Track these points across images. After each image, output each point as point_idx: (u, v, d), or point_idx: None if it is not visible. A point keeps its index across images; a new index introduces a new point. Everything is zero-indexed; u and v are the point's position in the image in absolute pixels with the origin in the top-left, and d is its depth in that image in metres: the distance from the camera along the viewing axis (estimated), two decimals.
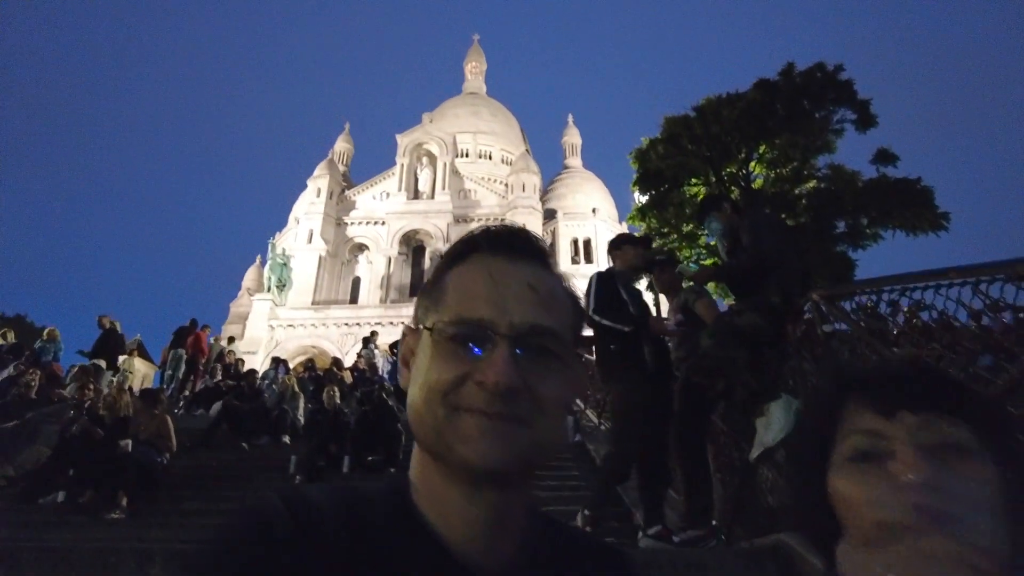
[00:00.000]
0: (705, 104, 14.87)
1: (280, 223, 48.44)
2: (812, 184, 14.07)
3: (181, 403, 13.59)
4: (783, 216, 13.05)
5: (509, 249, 0.72)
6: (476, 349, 0.66)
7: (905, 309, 4.19)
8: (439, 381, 0.65)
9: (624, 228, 47.24)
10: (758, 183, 14.60)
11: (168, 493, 6.55)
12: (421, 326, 0.71)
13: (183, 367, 14.86)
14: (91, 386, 8.98)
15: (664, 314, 5.41)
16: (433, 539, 0.66)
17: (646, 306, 4.72)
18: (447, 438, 0.64)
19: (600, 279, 4.66)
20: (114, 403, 7.39)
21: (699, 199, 14.73)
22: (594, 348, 4.92)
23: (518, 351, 0.66)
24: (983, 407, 0.68)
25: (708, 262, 13.80)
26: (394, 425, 8.61)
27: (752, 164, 14.54)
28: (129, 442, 6.55)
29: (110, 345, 13.08)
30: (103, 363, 12.33)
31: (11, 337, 13.07)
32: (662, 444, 4.42)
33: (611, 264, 4.88)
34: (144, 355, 42.13)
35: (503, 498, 0.67)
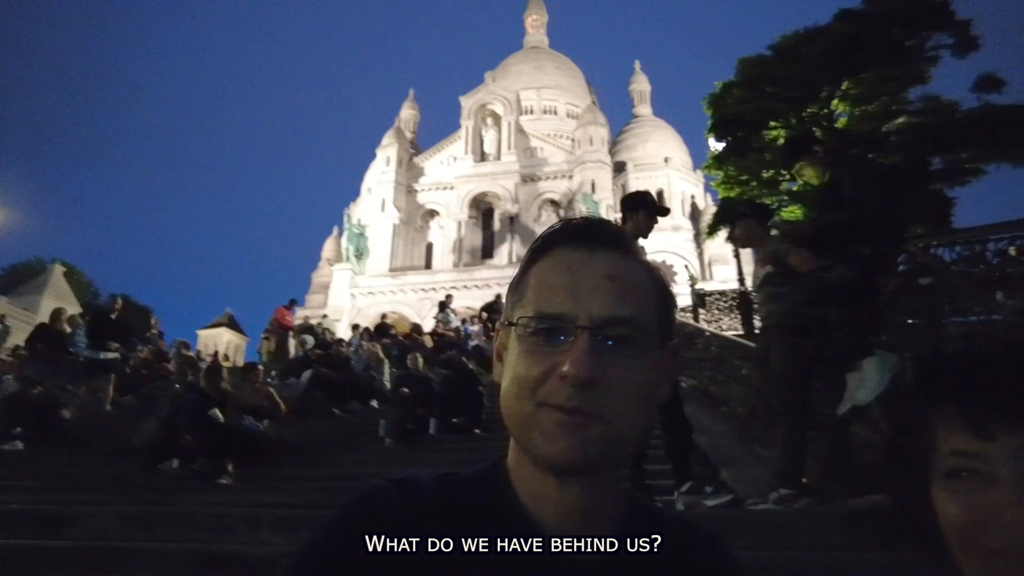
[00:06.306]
0: (783, 42, 13.87)
1: (353, 193, 49.68)
2: (903, 120, 12.97)
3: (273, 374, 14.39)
4: (871, 157, 12.18)
5: (587, 240, 0.73)
6: (558, 342, 0.68)
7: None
8: (526, 377, 0.68)
9: (700, 177, 45.56)
10: (842, 122, 13.62)
11: (271, 459, 6.99)
12: (509, 322, 0.74)
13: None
14: (189, 364, 9.64)
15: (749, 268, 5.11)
16: (528, 522, 0.70)
17: None
18: (531, 433, 0.68)
19: None
20: (208, 379, 7.84)
21: (780, 143, 13.95)
22: None
23: (599, 342, 0.67)
24: None
25: (791, 210, 13.18)
26: (476, 388, 8.83)
27: (835, 102, 13.59)
28: (217, 411, 6.94)
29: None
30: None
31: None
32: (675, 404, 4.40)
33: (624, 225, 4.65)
34: (235, 327, 44.98)
35: (591, 487, 0.70)
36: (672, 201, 43.18)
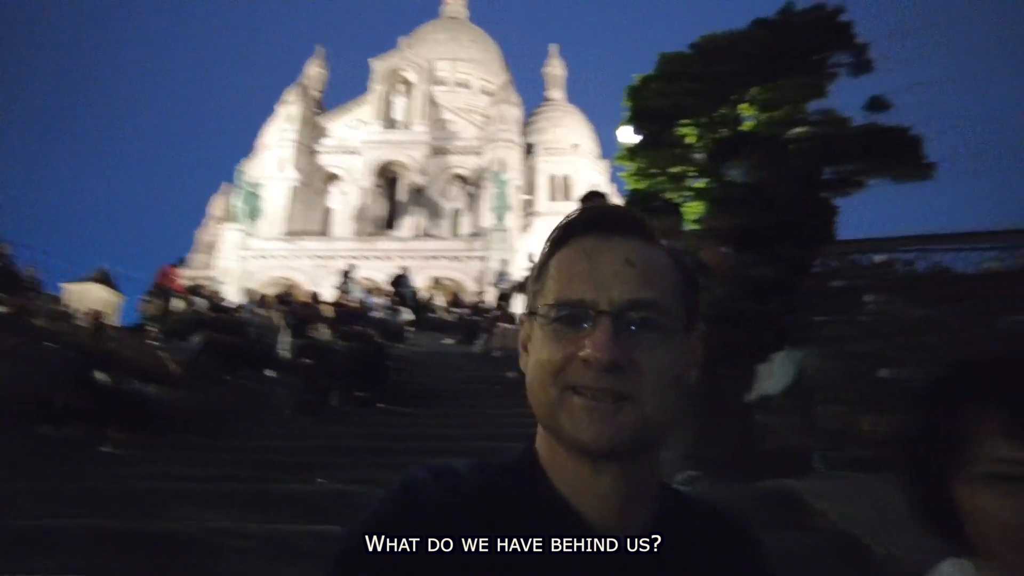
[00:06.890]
0: (703, 42, 14.43)
1: (246, 148, 46.86)
2: (802, 129, 13.94)
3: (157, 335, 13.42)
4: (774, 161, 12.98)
5: (604, 227, 0.75)
6: (580, 328, 0.69)
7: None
8: (549, 361, 0.69)
9: (606, 166, 46.58)
10: (747, 126, 14.39)
11: (160, 427, 6.53)
12: (531, 312, 0.75)
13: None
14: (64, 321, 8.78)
15: None
16: (568, 511, 0.70)
17: None
18: (559, 418, 0.68)
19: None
20: (95, 337, 7.26)
21: (688, 141, 14.55)
22: None
23: (621, 326, 0.68)
24: None
25: (693, 206, 13.79)
26: (383, 361, 8.67)
27: (741, 105, 14.33)
28: (103, 373, 6.45)
29: None
30: None
31: None
32: None
33: None
34: (108, 283, 41.35)
35: (626, 473, 0.70)
36: (576, 188, 43.95)
